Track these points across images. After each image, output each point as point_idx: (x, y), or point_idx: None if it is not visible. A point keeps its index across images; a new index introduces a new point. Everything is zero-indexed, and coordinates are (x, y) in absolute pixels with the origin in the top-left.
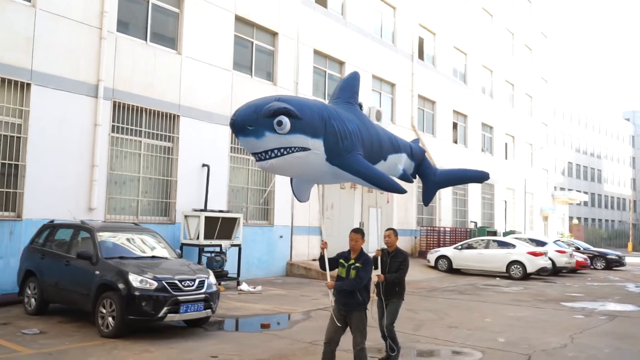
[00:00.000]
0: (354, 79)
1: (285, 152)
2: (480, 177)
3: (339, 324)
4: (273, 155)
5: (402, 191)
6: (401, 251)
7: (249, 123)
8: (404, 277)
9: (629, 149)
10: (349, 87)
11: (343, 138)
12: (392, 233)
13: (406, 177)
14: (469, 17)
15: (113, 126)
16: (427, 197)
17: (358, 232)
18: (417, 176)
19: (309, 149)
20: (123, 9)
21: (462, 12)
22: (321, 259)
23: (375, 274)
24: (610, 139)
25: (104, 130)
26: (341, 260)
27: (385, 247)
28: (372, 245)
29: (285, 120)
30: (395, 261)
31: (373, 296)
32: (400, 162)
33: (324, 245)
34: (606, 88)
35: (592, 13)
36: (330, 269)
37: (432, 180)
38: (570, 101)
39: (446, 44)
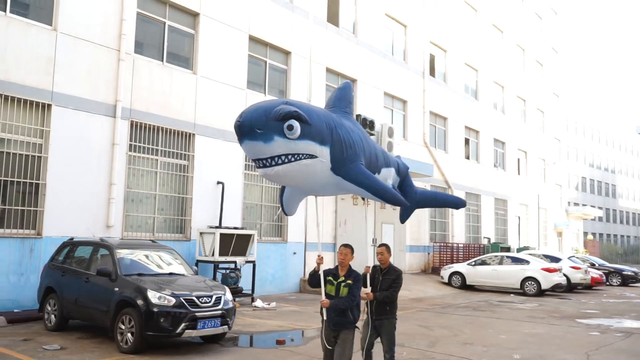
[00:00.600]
0: (348, 89)
1: (292, 159)
2: (456, 202)
3: (329, 347)
4: (280, 161)
5: (405, 204)
6: (394, 268)
7: (257, 126)
8: (396, 296)
9: None
10: (344, 97)
11: (347, 147)
12: (385, 249)
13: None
14: (480, 33)
15: (130, 145)
16: (405, 215)
17: (348, 247)
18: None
19: (317, 157)
20: (140, 31)
21: (472, 29)
22: (314, 275)
23: (364, 292)
24: (625, 154)
25: (121, 149)
26: (329, 278)
27: (378, 263)
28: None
29: (296, 124)
30: (387, 278)
31: (363, 315)
32: (390, 176)
33: (320, 261)
34: (619, 102)
35: (603, 27)
36: (315, 286)
37: (413, 199)
38: (583, 116)
39: (457, 61)
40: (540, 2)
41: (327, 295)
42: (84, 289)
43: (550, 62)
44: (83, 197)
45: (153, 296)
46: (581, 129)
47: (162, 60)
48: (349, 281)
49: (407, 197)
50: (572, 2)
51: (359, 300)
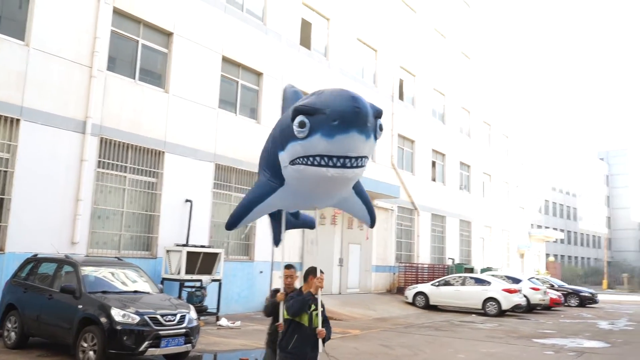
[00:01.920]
0: (298, 92)
1: (365, 162)
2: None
3: None
4: (363, 163)
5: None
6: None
7: (369, 119)
8: None
9: (603, 188)
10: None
11: None
12: (295, 271)
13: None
14: (448, 59)
15: (99, 162)
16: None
17: (292, 267)
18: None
19: None
20: (113, 49)
21: (441, 55)
22: (274, 306)
23: (276, 323)
24: (585, 178)
25: (90, 165)
26: (312, 305)
27: (282, 289)
28: (353, 281)
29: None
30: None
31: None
32: None
33: (280, 298)
34: (581, 128)
35: (568, 55)
36: (271, 315)
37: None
38: (547, 141)
39: (426, 86)
40: (507, 31)
41: (298, 325)
42: (46, 306)
43: (515, 89)
44: (49, 213)
45: (117, 314)
46: (544, 154)
47: (135, 78)
48: (319, 308)
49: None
50: (537, 32)
51: None
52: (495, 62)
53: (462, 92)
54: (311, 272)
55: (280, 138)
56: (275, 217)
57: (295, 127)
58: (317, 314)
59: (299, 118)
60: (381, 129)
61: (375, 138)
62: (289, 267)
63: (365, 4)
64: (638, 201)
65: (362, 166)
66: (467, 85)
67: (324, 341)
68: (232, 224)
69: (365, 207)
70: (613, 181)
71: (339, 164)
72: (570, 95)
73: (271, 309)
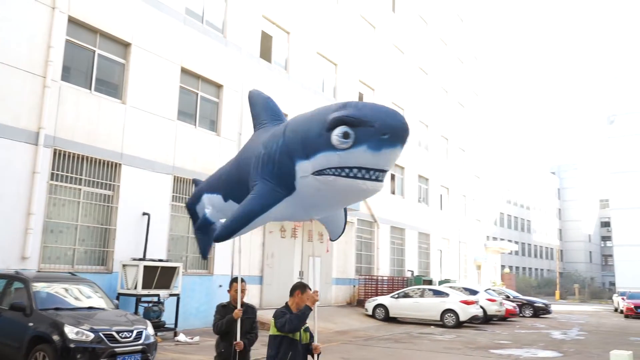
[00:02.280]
0: (268, 98)
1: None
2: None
3: None
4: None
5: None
6: (250, 305)
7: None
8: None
9: (555, 201)
10: (271, 108)
11: None
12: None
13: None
14: (406, 74)
15: (52, 174)
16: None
17: (243, 281)
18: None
19: None
20: (68, 58)
21: (399, 70)
22: (230, 323)
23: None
24: (538, 192)
25: (42, 177)
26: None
27: (230, 302)
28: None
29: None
30: (247, 318)
31: None
32: None
33: (237, 315)
34: (534, 143)
35: (520, 73)
36: (225, 332)
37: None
38: (501, 155)
39: (385, 99)
40: (463, 48)
41: (292, 341)
42: None
43: (471, 104)
44: None
45: (70, 331)
46: (499, 168)
47: (91, 89)
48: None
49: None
50: (491, 50)
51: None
52: (451, 78)
53: (420, 106)
54: (298, 287)
55: (304, 147)
56: (202, 230)
57: (336, 137)
58: (305, 329)
59: (343, 128)
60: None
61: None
62: (242, 280)
63: (325, 18)
64: (587, 214)
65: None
66: (425, 100)
67: (318, 356)
68: (226, 236)
69: (344, 220)
70: (564, 194)
71: (373, 177)
72: (524, 111)
73: (227, 326)
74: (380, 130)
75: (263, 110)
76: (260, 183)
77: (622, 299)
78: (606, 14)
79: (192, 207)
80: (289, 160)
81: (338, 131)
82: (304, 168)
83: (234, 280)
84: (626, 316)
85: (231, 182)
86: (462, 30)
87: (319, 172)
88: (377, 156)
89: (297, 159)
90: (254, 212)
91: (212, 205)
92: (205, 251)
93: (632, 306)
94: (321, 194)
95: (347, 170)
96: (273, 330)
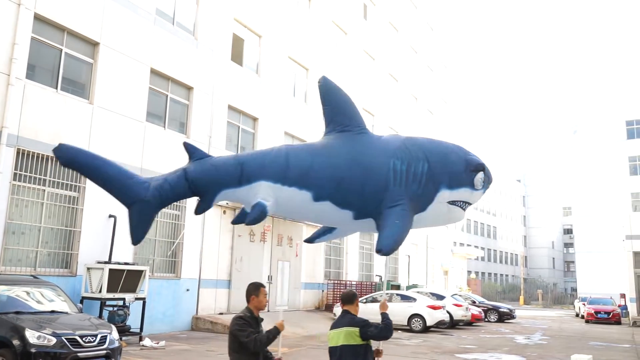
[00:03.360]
0: (339, 88)
1: None
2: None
3: None
4: None
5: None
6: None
7: None
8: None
9: (520, 208)
10: (354, 110)
11: None
12: None
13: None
14: (377, 81)
15: (15, 174)
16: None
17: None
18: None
19: None
20: (34, 56)
21: (370, 76)
22: (271, 339)
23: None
24: (505, 199)
25: (4, 177)
26: None
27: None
28: (282, 299)
29: None
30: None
31: None
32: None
33: (282, 326)
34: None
35: (488, 83)
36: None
37: None
38: None
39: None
40: (433, 57)
41: (369, 347)
42: None
43: (440, 111)
44: None
45: (31, 335)
46: None
47: (57, 88)
48: None
49: None
50: (459, 59)
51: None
52: (421, 86)
53: (390, 113)
54: (252, 292)
55: (450, 179)
56: (140, 213)
57: (479, 180)
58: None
59: (482, 175)
60: None
61: None
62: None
63: (297, 23)
64: (550, 221)
65: None
66: (395, 107)
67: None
68: (394, 249)
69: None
70: (529, 202)
71: (464, 208)
72: (491, 119)
73: (272, 340)
74: (489, 180)
75: (347, 111)
76: (406, 200)
77: (583, 304)
78: (573, 30)
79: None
80: (433, 186)
81: (481, 175)
82: (444, 196)
83: (260, 285)
84: (587, 321)
85: (346, 187)
86: (432, 39)
87: (452, 202)
88: (479, 196)
89: (441, 187)
90: (410, 227)
91: (278, 199)
92: (137, 235)
93: (593, 311)
94: (434, 218)
95: (465, 204)
96: (361, 340)
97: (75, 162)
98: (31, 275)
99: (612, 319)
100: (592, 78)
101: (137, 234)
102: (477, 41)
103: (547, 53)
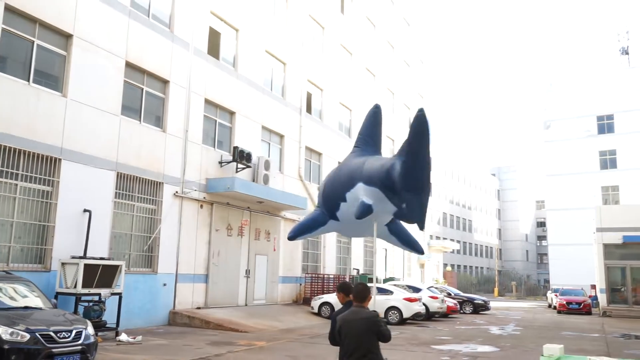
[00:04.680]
0: (371, 117)
1: None
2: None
3: None
4: None
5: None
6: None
7: None
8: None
9: (495, 202)
10: (360, 130)
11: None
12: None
13: (363, 210)
14: (354, 75)
15: None
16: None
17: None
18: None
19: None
20: (5, 48)
21: (347, 71)
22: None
23: None
24: (480, 192)
25: None
26: None
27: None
28: (259, 293)
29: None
30: None
31: None
32: (359, 195)
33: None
34: (476, 145)
35: (463, 77)
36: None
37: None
38: (445, 157)
39: (332, 100)
40: (409, 52)
41: None
42: None
43: (416, 106)
44: None
45: (4, 332)
46: (443, 169)
47: (29, 80)
48: None
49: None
50: (436, 54)
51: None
52: (398, 81)
53: (367, 107)
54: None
55: None
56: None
57: None
58: None
59: None
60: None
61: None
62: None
63: (274, 17)
64: (524, 214)
65: None
66: (372, 101)
67: None
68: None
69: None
70: (503, 196)
71: None
72: (467, 114)
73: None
74: None
75: (362, 132)
76: None
77: (556, 295)
78: (547, 25)
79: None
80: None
81: None
82: None
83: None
84: (559, 312)
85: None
86: (409, 34)
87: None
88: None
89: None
90: None
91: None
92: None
93: (565, 302)
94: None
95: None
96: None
97: None
98: (3, 271)
99: (583, 309)
100: (564, 73)
101: None
102: (453, 36)
103: (521, 47)
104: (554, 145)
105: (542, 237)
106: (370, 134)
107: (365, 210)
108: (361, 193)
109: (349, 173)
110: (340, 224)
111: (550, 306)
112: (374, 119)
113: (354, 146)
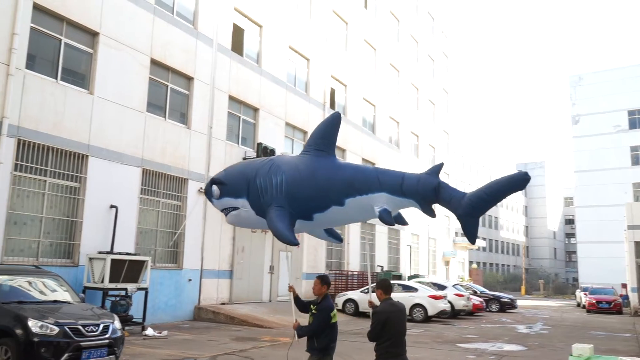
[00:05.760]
0: (328, 124)
1: (226, 212)
2: (518, 180)
3: None
4: (226, 213)
5: (291, 243)
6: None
7: (205, 190)
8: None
9: (522, 199)
10: (319, 134)
11: (263, 194)
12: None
13: (385, 219)
14: (378, 71)
15: (16, 164)
16: (467, 232)
17: (318, 278)
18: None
19: (239, 207)
20: (34, 47)
21: (371, 67)
22: (295, 300)
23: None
24: None
25: (5, 168)
26: (311, 306)
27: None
28: (282, 289)
29: (214, 188)
30: None
31: None
32: (375, 203)
33: (290, 289)
34: (501, 141)
35: (489, 72)
36: (305, 312)
37: (462, 207)
38: (470, 152)
39: (356, 96)
40: (433, 46)
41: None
42: None
43: (441, 101)
44: None
45: (34, 325)
46: (468, 165)
47: (57, 78)
48: (314, 311)
49: (453, 209)
50: (461, 48)
51: (318, 328)
52: (422, 76)
53: (391, 103)
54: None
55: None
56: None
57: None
58: (311, 314)
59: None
60: (210, 192)
61: (214, 198)
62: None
63: (297, 13)
64: (552, 211)
65: (227, 214)
66: (396, 97)
67: (299, 336)
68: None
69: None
70: (531, 192)
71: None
72: (493, 109)
73: (296, 303)
74: None
75: (316, 135)
76: None
77: (585, 294)
78: (576, 16)
79: None
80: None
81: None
82: None
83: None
84: (588, 311)
85: None
86: (433, 28)
87: None
88: None
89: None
90: None
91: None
92: None
93: (594, 301)
94: None
95: None
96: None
97: None
98: (33, 266)
99: (613, 308)
100: (594, 67)
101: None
102: (479, 29)
103: (548, 41)
104: (583, 140)
105: (570, 235)
106: (330, 139)
107: (390, 218)
108: (382, 201)
109: (348, 179)
110: (312, 223)
111: (579, 305)
112: (333, 125)
113: (315, 149)
